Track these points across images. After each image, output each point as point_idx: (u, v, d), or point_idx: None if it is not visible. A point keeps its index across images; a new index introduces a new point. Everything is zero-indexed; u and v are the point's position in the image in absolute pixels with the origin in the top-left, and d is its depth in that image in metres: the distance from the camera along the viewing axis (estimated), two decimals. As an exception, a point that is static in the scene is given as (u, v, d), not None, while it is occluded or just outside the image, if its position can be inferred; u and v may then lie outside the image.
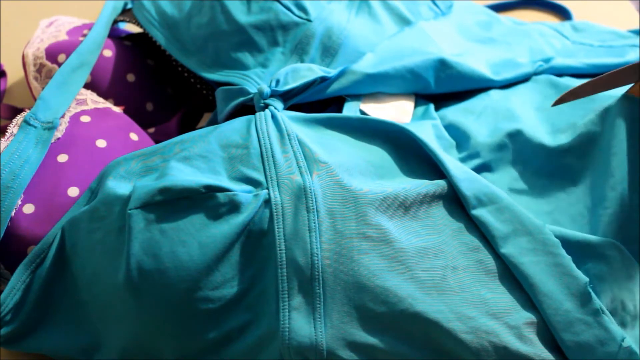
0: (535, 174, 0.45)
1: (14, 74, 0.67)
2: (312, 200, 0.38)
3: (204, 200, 0.37)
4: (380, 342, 0.36)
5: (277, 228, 0.37)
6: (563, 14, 0.73)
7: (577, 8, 0.72)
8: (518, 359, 0.35)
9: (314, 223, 0.37)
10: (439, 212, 0.39)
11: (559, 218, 0.42)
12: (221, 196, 0.37)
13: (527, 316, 0.37)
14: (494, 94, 0.51)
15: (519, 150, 0.46)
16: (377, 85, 0.49)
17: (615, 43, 0.58)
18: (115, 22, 0.57)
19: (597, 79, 0.42)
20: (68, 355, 0.41)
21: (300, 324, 0.36)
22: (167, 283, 0.36)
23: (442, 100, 0.52)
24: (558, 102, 0.44)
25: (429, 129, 0.47)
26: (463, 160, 0.47)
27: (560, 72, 0.54)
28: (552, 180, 0.44)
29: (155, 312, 0.37)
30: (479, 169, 0.46)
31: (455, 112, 0.50)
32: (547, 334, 0.37)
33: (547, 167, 0.45)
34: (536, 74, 0.53)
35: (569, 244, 0.39)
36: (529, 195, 0.44)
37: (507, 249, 0.38)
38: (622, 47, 0.57)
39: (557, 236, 0.39)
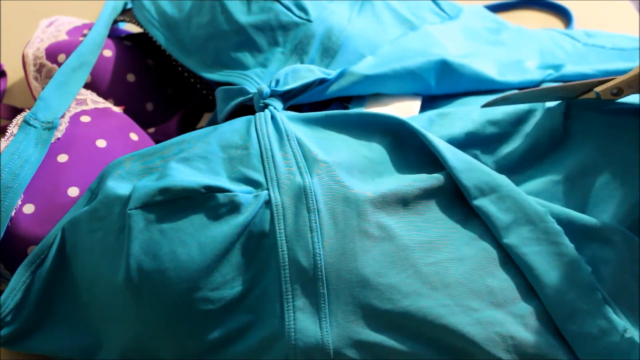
0: (547, 144, 0.44)
1: (14, 74, 0.67)
2: (312, 200, 0.38)
3: (204, 201, 0.37)
4: (387, 340, 0.36)
5: (278, 229, 0.37)
6: (563, 14, 0.73)
7: (577, 8, 0.72)
8: (524, 347, 0.35)
9: (315, 223, 0.37)
10: (439, 205, 0.40)
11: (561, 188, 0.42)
12: (221, 197, 0.37)
13: (533, 304, 0.37)
14: None
15: (535, 124, 0.44)
16: (376, 87, 0.49)
17: (627, 45, 0.57)
18: (115, 22, 0.57)
19: (529, 91, 0.44)
20: (68, 355, 0.41)
21: (305, 324, 0.36)
22: (167, 283, 0.36)
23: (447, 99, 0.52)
24: (488, 105, 0.45)
25: (432, 114, 0.46)
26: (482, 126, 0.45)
27: (571, 80, 0.53)
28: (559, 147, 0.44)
29: (155, 312, 0.37)
30: (495, 138, 0.45)
31: (465, 103, 0.50)
32: (552, 322, 0.37)
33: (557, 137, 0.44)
34: (545, 82, 0.52)
35: (574, 226, 0.39)
36: (539, 164, 0.44)
37: (509, 239, 0.38)
38: (633, 49, 0.56)
39: (563, 218, 0.39)
